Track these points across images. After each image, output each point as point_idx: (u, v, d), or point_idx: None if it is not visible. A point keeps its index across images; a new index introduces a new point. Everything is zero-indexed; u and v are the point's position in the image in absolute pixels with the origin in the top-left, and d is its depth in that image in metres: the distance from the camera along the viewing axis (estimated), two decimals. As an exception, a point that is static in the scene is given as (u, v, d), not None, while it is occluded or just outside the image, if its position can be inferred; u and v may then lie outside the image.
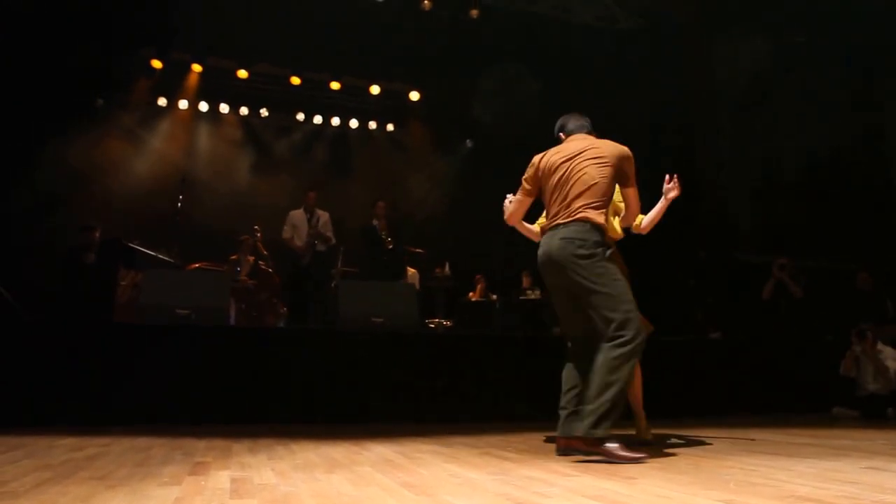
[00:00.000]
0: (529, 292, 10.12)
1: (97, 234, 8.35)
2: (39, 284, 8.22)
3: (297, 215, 9.36)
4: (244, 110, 12.20)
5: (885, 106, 10.22)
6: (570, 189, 3.90)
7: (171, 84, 11.70)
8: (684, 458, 3.70)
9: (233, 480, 2.91)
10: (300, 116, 12.63)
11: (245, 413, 5.64)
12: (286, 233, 9.28)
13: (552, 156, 4.05)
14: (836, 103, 9.94)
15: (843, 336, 7.97)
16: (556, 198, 3.95)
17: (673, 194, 4.40)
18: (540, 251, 3.97)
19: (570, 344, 4.07)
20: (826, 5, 9.23)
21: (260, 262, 9.33)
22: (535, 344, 6.85)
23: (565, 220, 3.86)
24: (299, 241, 9.21)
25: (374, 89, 12.40)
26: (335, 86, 12.07)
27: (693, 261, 10.64)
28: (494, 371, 6.47)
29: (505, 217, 4.37)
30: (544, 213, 4.21)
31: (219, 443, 4.25)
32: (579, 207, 3.84)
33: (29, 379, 5.25)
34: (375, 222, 9.53)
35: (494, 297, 9.90)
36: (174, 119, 12.02)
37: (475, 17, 11.05)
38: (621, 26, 11.48)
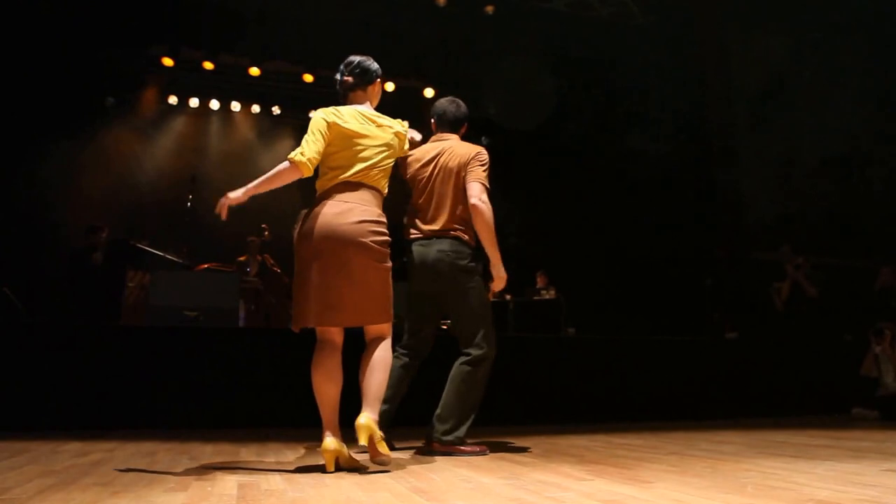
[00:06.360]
0: (544, 292, 10.01)
1: (105, 235, 8.33)
2: (47, 286, 8.21)
3: None
4: (256, 108, 12.14)
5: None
6: None
7: (182, 82, 11.68)
8: (701, 461, 3.64)
9: (240, 486, 2.86)
10: (313, 114, 12.53)
11: (254, 416, 5.56)
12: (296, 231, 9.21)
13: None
14: (854, 97, 9.81)
15: (863, 335, 7.86)
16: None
17: None
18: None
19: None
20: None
21: (269, 260, 9.28)
22: (550, 345, 6.75)
23: None
24: (310, 240, 9.14)
25: (389, 86, 12.35)
26: (349, 83, 11.99)
27: (709, 260, 10.54)
28: (508, 372, 6.37)
29: None
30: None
31: (226, 447, 4.20)
32: None
33: (33, 382, 5.19)
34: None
35: (508, 297, 9.79)
36: (185, 117, 12.02)
37: (490, 13, 10.99)
38: (638, 22, 11.39)
